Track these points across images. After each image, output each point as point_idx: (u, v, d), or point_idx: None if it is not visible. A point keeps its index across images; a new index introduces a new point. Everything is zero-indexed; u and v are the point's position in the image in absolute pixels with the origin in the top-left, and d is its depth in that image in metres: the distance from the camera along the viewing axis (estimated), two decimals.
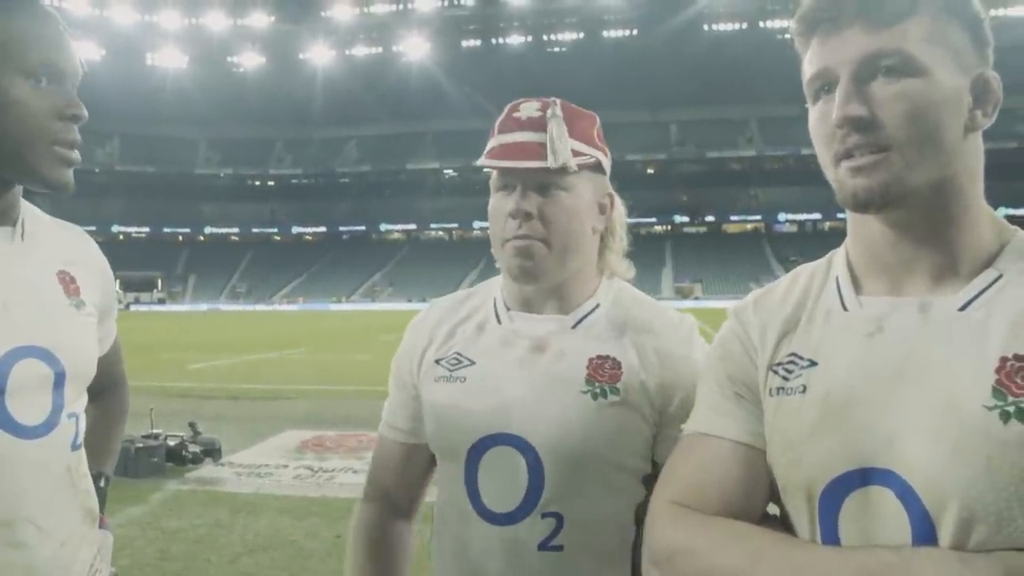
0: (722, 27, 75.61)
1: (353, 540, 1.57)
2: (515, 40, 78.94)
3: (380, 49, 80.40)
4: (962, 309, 0.98)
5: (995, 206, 1.04)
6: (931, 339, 0.97)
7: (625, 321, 1.44)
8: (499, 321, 1.47)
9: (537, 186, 1.37)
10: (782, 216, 74.07)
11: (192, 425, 7.65)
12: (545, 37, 78.82)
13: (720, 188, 78.71)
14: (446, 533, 1.45)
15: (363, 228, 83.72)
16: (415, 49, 79.01)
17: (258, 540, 5.30)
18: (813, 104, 1.03)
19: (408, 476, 1.56)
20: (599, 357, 1.39)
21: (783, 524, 1.07)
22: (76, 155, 1.30)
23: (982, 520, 0.89)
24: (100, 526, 1.48)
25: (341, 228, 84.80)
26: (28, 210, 1.41)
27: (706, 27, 75.70)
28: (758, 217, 77.04)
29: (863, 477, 0.96)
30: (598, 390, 1.36)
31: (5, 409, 1.24)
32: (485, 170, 1.43)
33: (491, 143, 1.41)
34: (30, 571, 1.27)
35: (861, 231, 1.08)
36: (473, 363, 1.44)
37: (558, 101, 1.41)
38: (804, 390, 1.04)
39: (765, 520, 1.08)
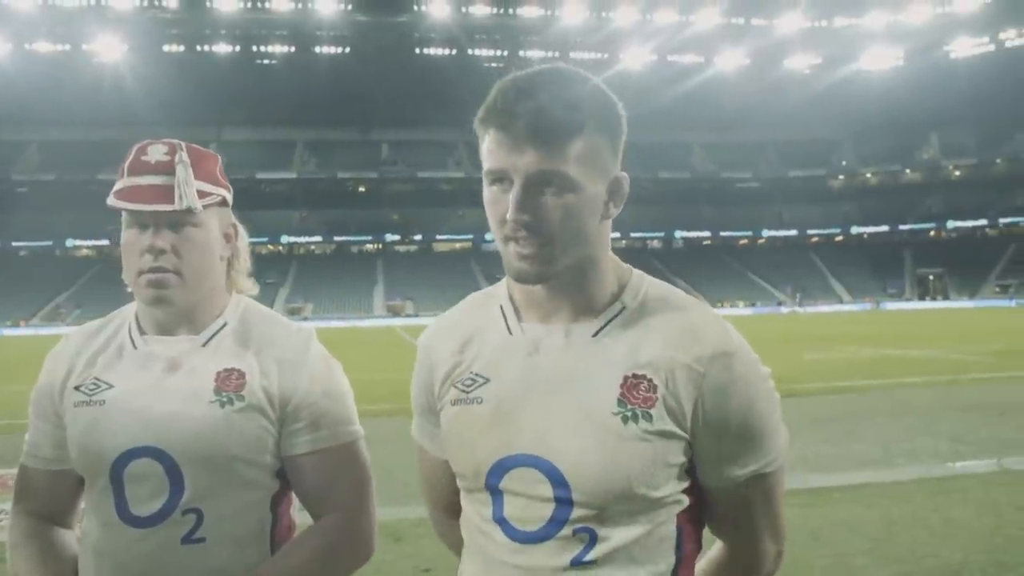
0: (433, 51, 77.95)
1: (19, 550, 1.61)
2: (222, 49, 75.66)
3: (68, 47, 73.19)
4: (595, 336, 1.29)
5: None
6: (573, 358, 1.28)
7: (249, 335, 1.62)
8: (135, 346, 1.60)
9: (169, 223, 1.52)
10: (488, 235, 76.64)
11: None
12: (254, 48, 76.35)
13: (430, 208, 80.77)
14: (92, 544, 1.55)
15: (48, 243, 74.98)
16: (109, 50, 72.75)
17: None
18: (488, 186, 1.26)
19: (58, 498, 1.65)
20: (226, 370, 1.56)
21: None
22: None
23: (611, 493, 1.22)
24: None
25: (17, 243, 75.13)
26: None
27: (417, 51, 77.64)
28: (467, 236, 79.45)
29: (516, 460, 1.27)
30: (225, 398, 1.52)
31: None
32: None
33: (121, 183, 1.54)
34: None
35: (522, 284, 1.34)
36: (112, 386, 1.56)
37: (184, 145, 1.57)
38: (481, 401, 1.32)
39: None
